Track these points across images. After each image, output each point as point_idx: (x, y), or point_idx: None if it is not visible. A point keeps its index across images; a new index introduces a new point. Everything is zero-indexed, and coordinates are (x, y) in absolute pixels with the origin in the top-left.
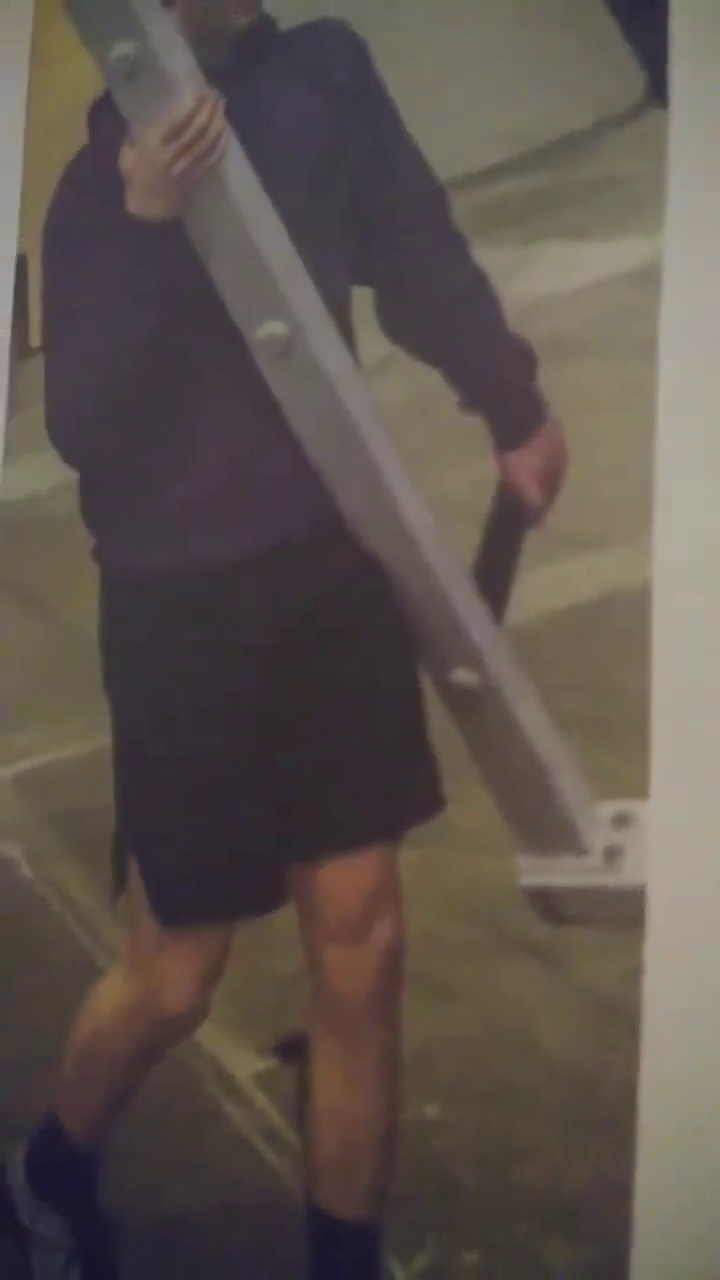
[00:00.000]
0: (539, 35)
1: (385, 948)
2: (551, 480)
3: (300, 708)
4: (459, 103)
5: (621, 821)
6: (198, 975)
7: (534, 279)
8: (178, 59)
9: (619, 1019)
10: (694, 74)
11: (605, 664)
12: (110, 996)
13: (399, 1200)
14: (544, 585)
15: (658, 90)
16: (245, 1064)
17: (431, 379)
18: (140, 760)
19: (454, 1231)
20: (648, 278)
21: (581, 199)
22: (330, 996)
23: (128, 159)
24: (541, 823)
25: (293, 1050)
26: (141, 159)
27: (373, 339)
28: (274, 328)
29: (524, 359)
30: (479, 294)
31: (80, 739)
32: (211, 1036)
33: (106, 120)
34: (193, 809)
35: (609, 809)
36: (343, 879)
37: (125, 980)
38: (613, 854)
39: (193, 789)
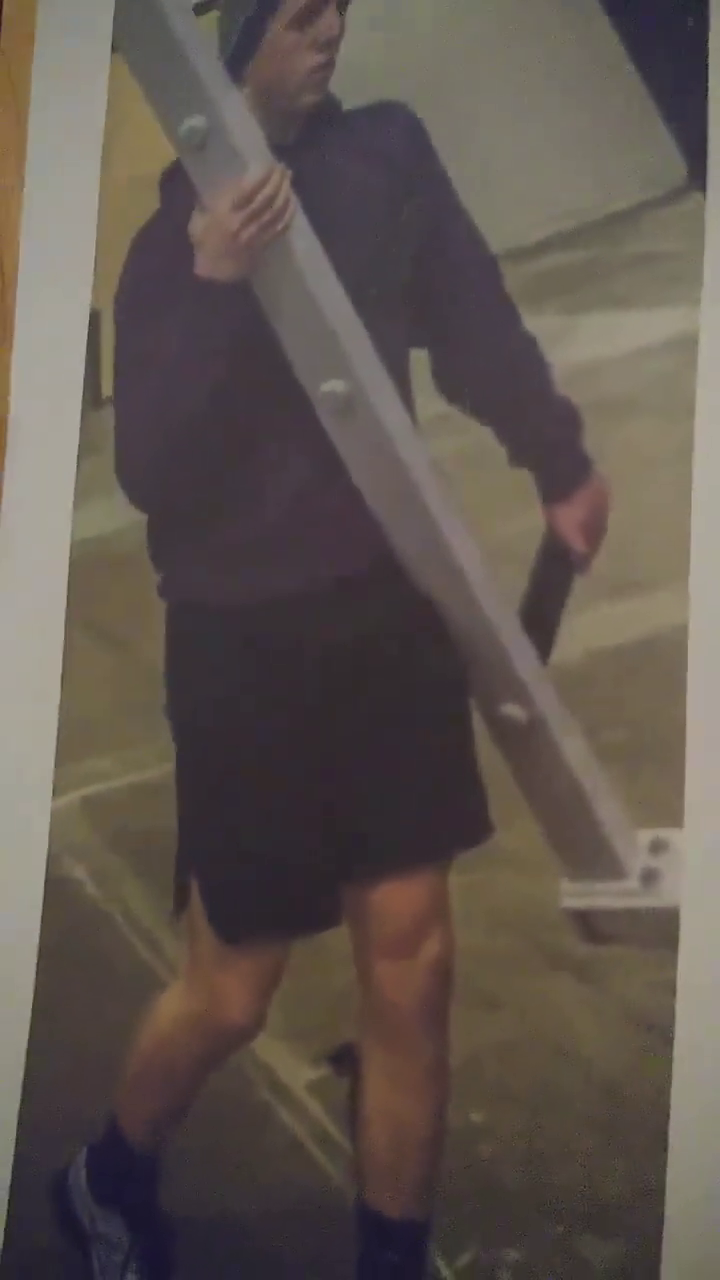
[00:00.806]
0: (586, 122)
1: (435, 961)
2: (596, 531)
3: (357, 736)
4: (510, 182)
5: (657, 847)
6: (255, 989)
7: (579, 346)
8: (247, 134)
9: (653, 1030)
10: None
11: (644, 701)
12: (171, 1009)
13: (444, 1201)
14: (588, 627)
15: (697, 176)
16: (299, 1073)
17: (483, 436)
18: (202, 784)
19: (496, 1230)
20: (685, 345)
21: (624, 272)
22: (382, 1007)
23: (197, 225)
24: (583, 848)
25: (344, 1060)
26: (211, 225)
27: (430, 398)
28: (335, 385)
29: (570, 419)
30: (528, 357)
31: (145, 765)
32: (266, 1047)
33: (177, 186)
34: (253, 832)
35: (646, 836)
36: (396, 899)
37: (185, 993)
38: (649, 878)
39: (253, 813)
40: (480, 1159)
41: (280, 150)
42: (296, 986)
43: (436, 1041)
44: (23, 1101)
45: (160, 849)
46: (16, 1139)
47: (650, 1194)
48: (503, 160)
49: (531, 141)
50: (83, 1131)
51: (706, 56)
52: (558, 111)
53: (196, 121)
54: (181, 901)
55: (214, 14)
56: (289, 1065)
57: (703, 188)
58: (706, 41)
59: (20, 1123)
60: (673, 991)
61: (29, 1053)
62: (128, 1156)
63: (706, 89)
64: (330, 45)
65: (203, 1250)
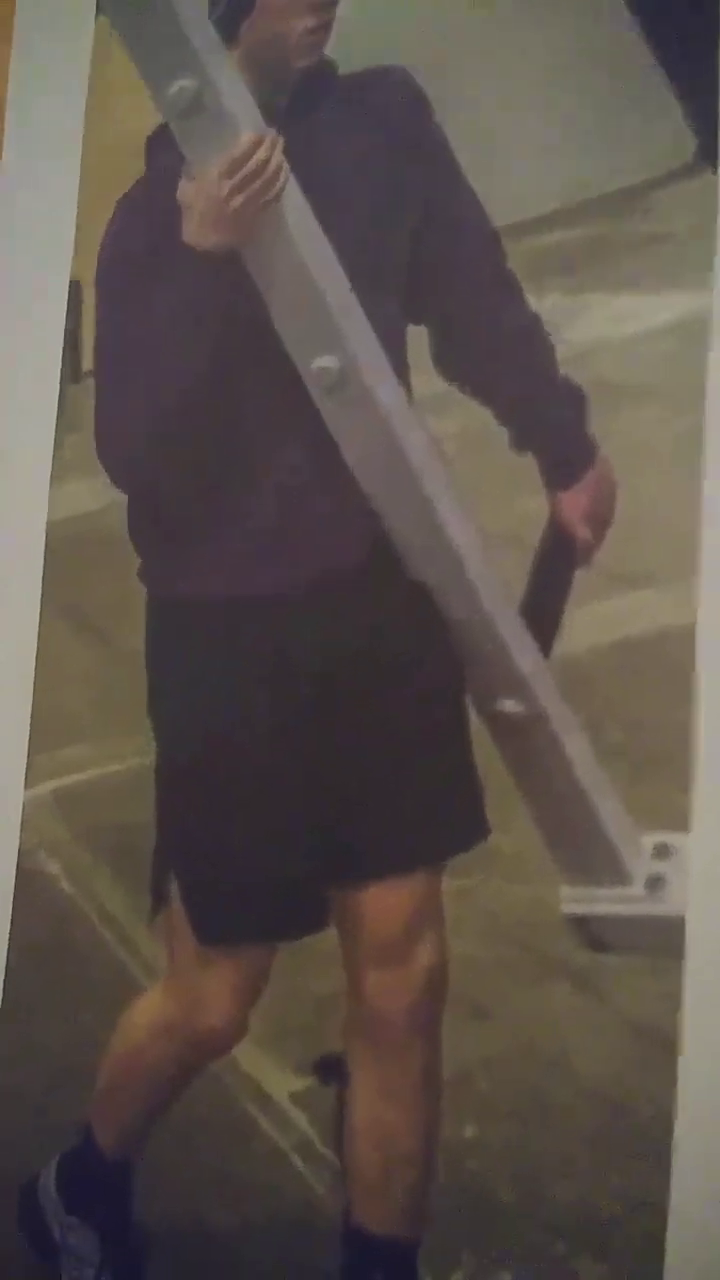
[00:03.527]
0: (596, 92)
1: (427, 971)
2: (601, 520)
3: (347, 733)
4: (515, 153)
5: (663, 852)
6: (236, 994)
7: (584, 327)
8: (238, 97)
9: (655, 1043)
10: None
11: (650, 699)
12: (148, 1013)
13: (436, 1218)
14: (591, 621)
15: (708, 153)
16: (282, 1082)
17: (484, 417)
18: (185, 780)
19: (490, 1249)
20: (695, 328)
21: (632, 252)
22: (371, 1016)
23: (185, 191)
24: (584, 851)
25: (331, 1070)
26: (199, 192)
27: (428, 376)
28: (328, 361)
29: (574, 401)
30: (531, 336)
31: (122, 757)
32: (248, 1055)
33: (163, 151)
34: (237, 830)
35: (651, 840)
36: (386, 903)
37: (163, 997)
38: (654, 884)
39: (238, 810)
40: (472, 1175)
41: (272, 115)
42: (281, 992)
43: (428, 1053)
44: None
45: (137, 845)
46: None
47: (651, 1213)
48: (506, 130)
49: (536, 111)
50: (54, 1139)
51: (718, 30)
52: (564, 82)
53: (185, 83)
54: (159, 902)
55: None
56: (272, 1074)
57: (713, 165)
58: (718, 14)
59: None
60: (677, 1003)
61: None
62: (101, 1165)
63: (718, 63)
64: (326, 6)
65: (178, 1266)
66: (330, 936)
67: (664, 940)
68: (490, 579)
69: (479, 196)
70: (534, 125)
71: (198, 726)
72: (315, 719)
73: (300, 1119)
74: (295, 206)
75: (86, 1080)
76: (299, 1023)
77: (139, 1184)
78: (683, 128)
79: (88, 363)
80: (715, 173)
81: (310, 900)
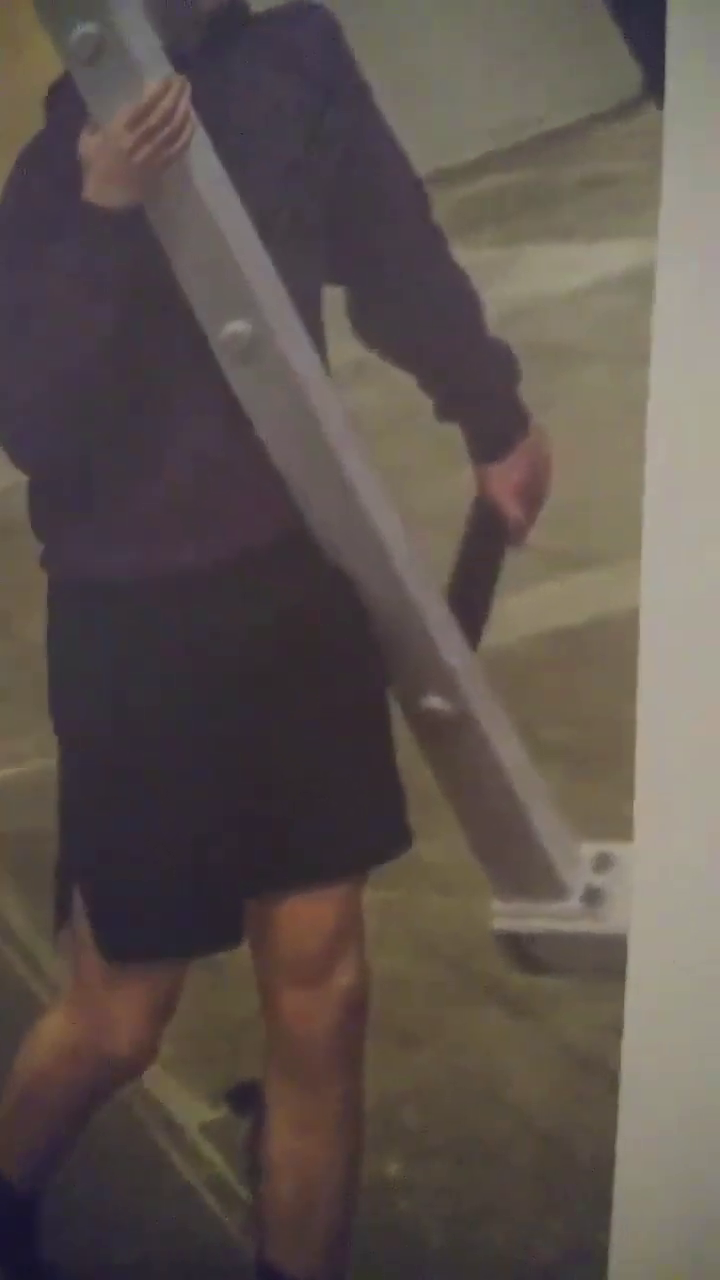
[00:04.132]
0: (529, 25)
1: (346, 991)
2: (534, 496)
3: (263, 730)
4: (441, 93)
5: (603, 863)
6: (146, 1015)
7: (518, 281)
8: (142, 41)
9: (596, 1074)
10: (692, 69)
11: (590, 693)
12: (51, 1035)
13: (359, 1260)
14: (525, 608)
15: (653, 85)
16: (195, 1112)
17: (406, 386)
18: (87, 783)
19: None
20: (639, 282)
21: (570, 198)
22: (287, 1041)
23: (87, 145)
24: (516, 863)
25: (246, 1099)
26: (102, 145)
27: (346, 342)
28: (238, 326)
29: (506, 365)
30: (459, 295)
31: (25, 759)
32: (159, 1081)
33: (65, 103)
34: (144, 836)
35: (591, 849)
36: (303, 917)
37: (67, 1018)
38: (593, 898)
39: (144, 815)
40: (399, 1214)
41: (181, 60)
42: (192, 1014)
43: (348, 1081)
44: None
45: (39, 854)
46: None
47: (592, 1257)
48: (432, 68)
49: (464, 46)
50: None
51: None
52: (494, 12)
53: (88, 29)
54: (62, 915)
55: None
56: (183, 1102)
57: (660, 101)
58: None
59: None
60: (618, 1030)
61: None
62: (4, 1196)
63: None
64: None
65: None
66: (246, 955)
67: (604, 960)
68: (415, 565)
69: (404, 142)
70: (463, 61)
71: (101, 723)
72: (227, 714)
73: (213, 1153)
74: (203, 159)
75: None
76: (214, 1047)
77: (44, 1218)
78: (625, 60)
79: None
80: (661, 108)
81: (223, 912)
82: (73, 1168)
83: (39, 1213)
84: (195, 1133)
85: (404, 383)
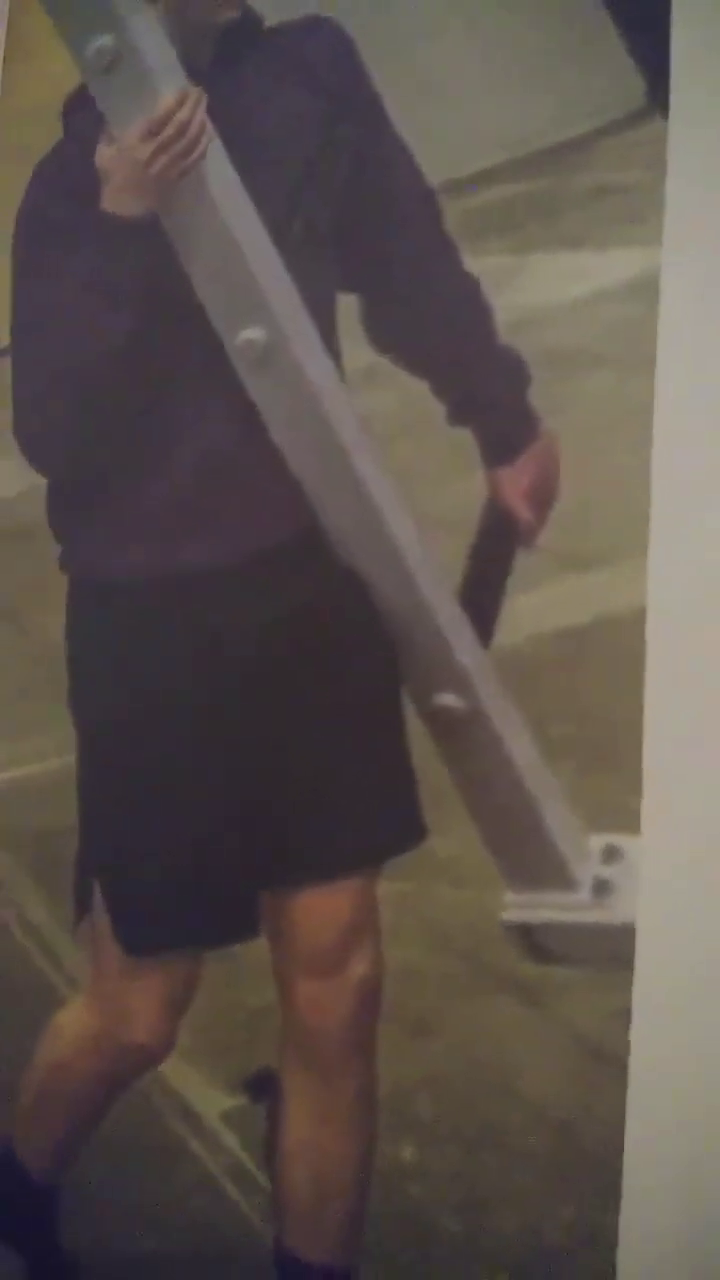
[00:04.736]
0: (537, 37)
1: (361, 982)
2: (544, 499)
3: (277, 727)
4: (451, 104)
5: (611, 855)
6: (163, 1006)
7: (527, 289)
8: (158, 54)
9: (605, 1061)
10: (695, 81)
11: (598, 690)
12: (71, 1027)
13: (373, 1246)
14: (534, 607)
15: (657, 96)
16: (213, 1101)
17: (419, 391)
18: (106, 779)
19: None
20: (645, 289)
21: (577, 207)
22: (303, 1031)
23: (104, 155)
24: (527, 855)
25: (263, 1087)
26: (118, 156)
27: (359, 348)
28: (253, 333)
29: (516, 371)
30: (470, 302)
31: (44, 755)
32: (177, 1071)
33: (82, 114)
34: (162, 833)
35: (599, 842)
36: (319, 909)
37: (87, 1010)
38: (601, 889)
39: (162, 812)
40: (412, 1201)
41: (195, 72)
42: (212, 1004)
43: (363, 1070)
44: None
45: (59, 849)
46: None
47: (601, 1243)
48: (443, 81)
49: (474, 60)
50: None
51: None
52: (503, 26)
53: (104, 41)
54: (81, 909)
55: None
56: (201, 1092)
57: (664, 112)
58: None
59: None
60: (627, 1018)
61: None
62: (25, 1187)
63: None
64: None
65: None
66: (263, 946)
67: (613, 950)
68: (427, 565)
69: (415, 153)
70: (473, 74)
71: (119, 720)
72: (243, 711)
73: (232, 1140)
74: (219, 169)
75: (8, 1098)
76: (231, 1037)
77: (63, 1207)
78: (630, 72)
79: (3, 337)
80: (665, 119)
81: (240, 906)
82: (92, 1157)
83: (58, 1202)
84: (215, 1120)
85: (416, 388)
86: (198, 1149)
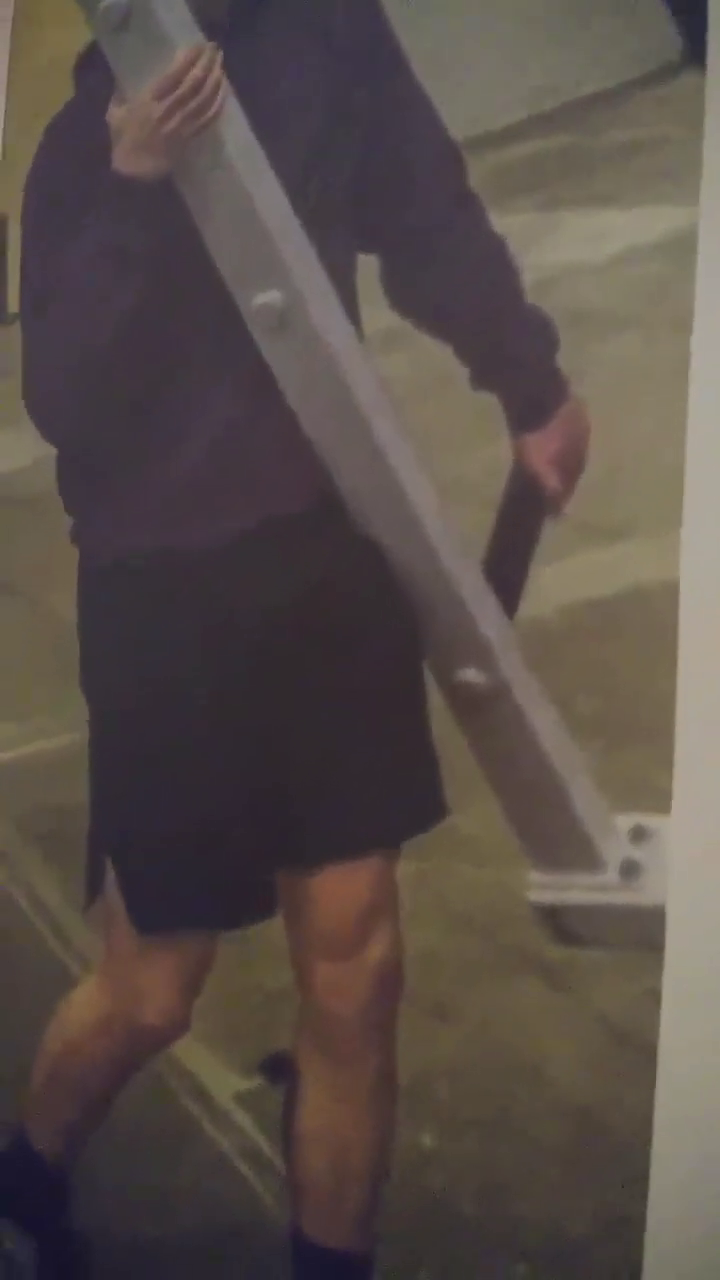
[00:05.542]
0: None
1: (380, 964)
2: (572, 466)
3: (294, 703)
4: (477, 57)
5: (640, 835)
6: (177, 987)
7: (556, 248)
8: (172, 9)
9: (633, 1047)
10: None
11: (627, 664)
12: (83, 1007)
13: (391, 1233)
14: (562, 578)
15: (694, 50)
16: (227, 1083)
17: (441, 354)
18: (120, 756)
19: (449, 1268)
20: (680, 248)
21: (608, 163)
22: (320, 1014)
23: (116, 115)
24: (553, 835)
25: (279, 1069)
26: (131, 115)
27: (379, 310)
28: (270, 296)
29: (543, 333)
30: (495, 262)
31: (55, 733)
32: (191, 1053)
33: (93, 73)
34: (176, 810)
35: (627, 821)
36: (337, 889)
37: (99, 990)
38: (630, 870)
39: (176, 788)
40: (431, 1188)
41: (211, 29)
42: (227, 985)
43: (382, 1054)
44: None
45: (71, 828)
46: None
47: (626, 1233)
48: (468, 33)
49: (502, 10)
50: None
51: None
52: None
53: None
54: (94, 888)
55: None
56: (216, 1073)
57: (701, 64)
58: None
59: None
60: (657, 1002)
61: None
62: (37, 1168)
63: None
64: None
65: (119, 1277)
66: (279, 927)
67: (642, 933)
68: (449, 534)
69: (439, 107)
70: (500, 24)
71: (132, 697)
72: (258, 685)
73: (246, 1122)
74: (235, 127)
75: (20, 1078)
76: (247, 1019)
77: (76, 1189)
78: (665, 22)
79: (14, 304)
80: (703, 72)
81: (255, 885)
82: (105, 1138)
83: (70, 1184)
84: (229, 1102)
85: (438, 351)
86: (211, 1130)
